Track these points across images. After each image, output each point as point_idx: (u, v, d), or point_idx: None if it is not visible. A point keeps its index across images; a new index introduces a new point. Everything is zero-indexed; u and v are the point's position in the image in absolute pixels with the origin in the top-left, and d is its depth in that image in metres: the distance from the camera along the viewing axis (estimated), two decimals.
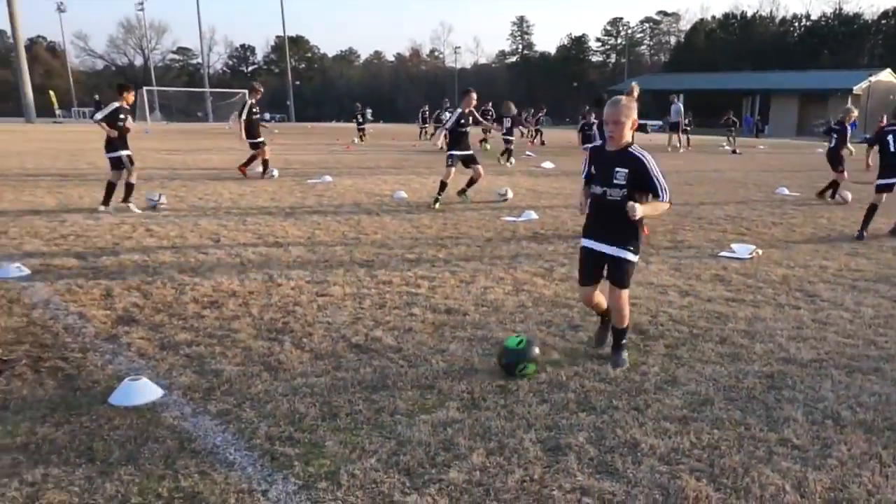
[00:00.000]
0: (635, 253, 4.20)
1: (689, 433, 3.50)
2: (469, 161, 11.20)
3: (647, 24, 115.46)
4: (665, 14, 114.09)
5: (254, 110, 14.13)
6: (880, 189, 9.15)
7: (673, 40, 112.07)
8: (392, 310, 5.52)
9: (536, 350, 4.23)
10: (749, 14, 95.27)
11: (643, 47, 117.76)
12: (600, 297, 4.45)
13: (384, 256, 7.47)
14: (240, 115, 14.28)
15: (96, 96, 60.07)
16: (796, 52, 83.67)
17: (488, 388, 4.02)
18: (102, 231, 8.70)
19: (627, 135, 4.06)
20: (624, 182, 4.02)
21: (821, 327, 5.23)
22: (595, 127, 11.73)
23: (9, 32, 63.06)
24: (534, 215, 10.29)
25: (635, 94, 8.73)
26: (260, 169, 14.70)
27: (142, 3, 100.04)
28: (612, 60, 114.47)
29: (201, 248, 7.81)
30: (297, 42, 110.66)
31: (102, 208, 10.29)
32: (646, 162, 4.00)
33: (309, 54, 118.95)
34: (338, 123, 69.10)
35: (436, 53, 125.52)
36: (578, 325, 5.20)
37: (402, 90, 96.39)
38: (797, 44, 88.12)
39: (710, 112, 72.79)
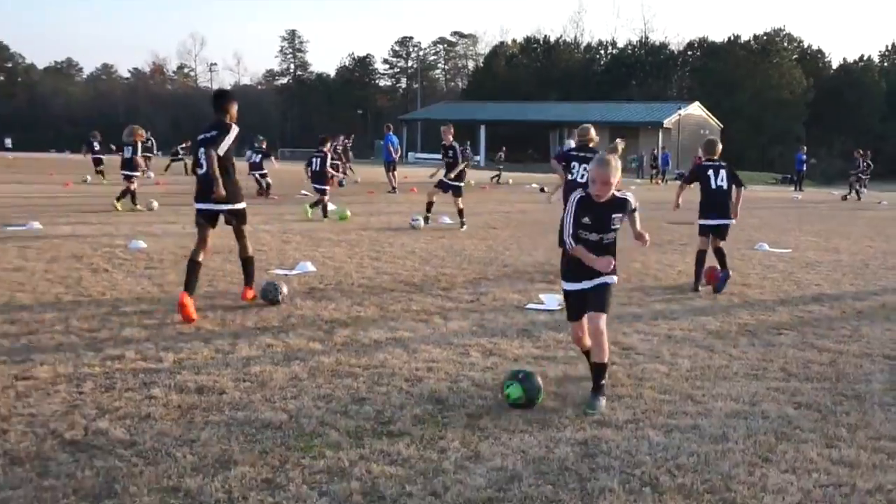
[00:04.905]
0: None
1: None
2: None
3: (440, 46, 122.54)
4: (461, 35, 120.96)
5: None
6: (704, 230, 9.63)
7: (471, 65, 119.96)
8: (123, 393, 5.19)
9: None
10: (552, 39, 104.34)
11: (438, 71, 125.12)
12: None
13: (113, 324, 7.03)
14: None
15: None
16: (604, 81, 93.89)
17: (251, 483, 3.88)
18: None
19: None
20: (619, 225, 5.27)
21: (637, 383, 5.68)
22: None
23: None
24: (310, 267, 10.26)
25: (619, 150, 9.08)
26: None
27: None
28: (403, 85, 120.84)
29: None
30: None
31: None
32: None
33: (9, 64, 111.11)
34: (58, 154, 64.78)
35: (186, 70, 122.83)
36: (364, 397, 5.21)
37: (141, 113, 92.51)
38: (604, 73, 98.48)
39: (517, 145, 77.68)
